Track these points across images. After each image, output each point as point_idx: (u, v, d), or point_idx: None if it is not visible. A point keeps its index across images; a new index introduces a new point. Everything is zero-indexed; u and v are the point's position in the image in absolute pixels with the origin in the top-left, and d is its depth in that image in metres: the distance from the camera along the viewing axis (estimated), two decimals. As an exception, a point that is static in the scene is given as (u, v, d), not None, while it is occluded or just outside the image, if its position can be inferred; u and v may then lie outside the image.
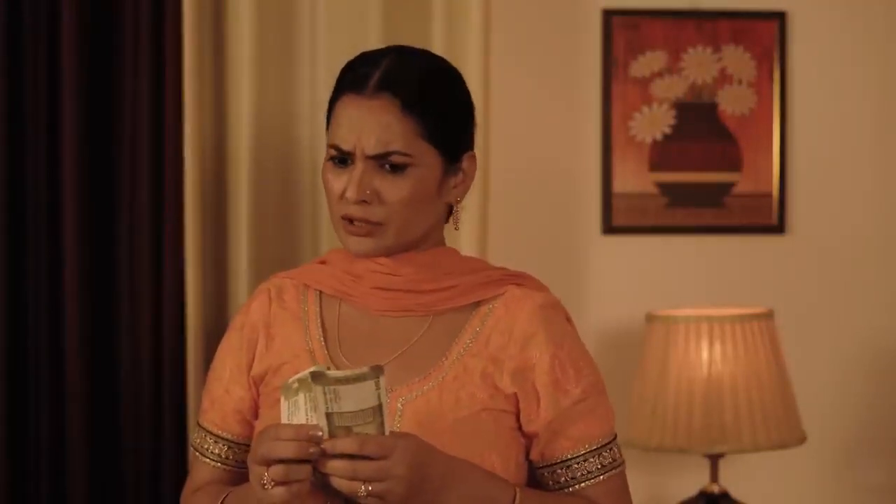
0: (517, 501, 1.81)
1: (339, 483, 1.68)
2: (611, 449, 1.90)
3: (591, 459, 1.89)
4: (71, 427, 2.80)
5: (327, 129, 1.93)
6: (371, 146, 1.85)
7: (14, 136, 2.81)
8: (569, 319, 1.95)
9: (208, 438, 1.98)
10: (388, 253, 1.90)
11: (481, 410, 1.86)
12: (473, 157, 1.96)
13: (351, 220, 1.88)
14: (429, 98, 1.88)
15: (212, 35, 2.92)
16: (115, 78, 2.87)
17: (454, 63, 2.97)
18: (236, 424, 1.97)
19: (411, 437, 1.72)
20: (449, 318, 1.92)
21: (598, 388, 1.92)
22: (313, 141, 2.95)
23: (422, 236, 1.92)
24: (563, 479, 1.89)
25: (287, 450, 1.67)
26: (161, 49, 2.85)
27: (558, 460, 1.89)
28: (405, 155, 1.85)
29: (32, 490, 2.83)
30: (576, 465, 1.88)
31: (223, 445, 1.97)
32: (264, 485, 1.68)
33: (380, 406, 1.68)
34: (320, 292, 1.97)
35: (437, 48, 2.92)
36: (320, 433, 1.67)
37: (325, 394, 1.65)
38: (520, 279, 1.96)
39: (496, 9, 3.07)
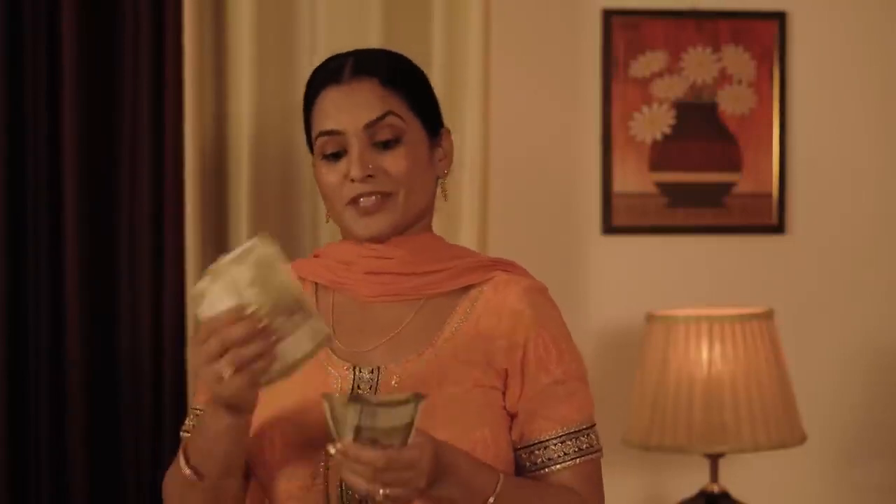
0: (499, 486, 1.82)
1: (355, 482, 1.67)
2: (588, 435, 1.92)
3: (569, 442, 1.91)
4: (71, 427, 2.80)
5: (307, 132, 1.96)
6: (364, 116, 1.89)
7: (14, 135, 2.81)
8: (556, 306, 1.97)
9: (196, 420, 1.98)
10: (396, 228, 1.92)
11: (473, 386, 1.88)
12: (448, 132, 2.01)
13: (358, 201, 1.90)
14: (403, 74, 1.95)
15: (212, 35, 2.92)
16: (115, 78, 2.87)
17: (454, 63, 2.99)
18: None
19: (428, 442, 1.72)
20: (439, 302, 1.94)
21: (580, 374, 1.95)
22: (313, 141, 2.95)
23: (419, 213, 1.96)
24: (539, 460, 1.91)
25: (236, 333, 1.67)
26: (161, 49, 2.85)
27: (536, 441, 1.91)
28: (398, 117, 1.90)
29: (33, 490, 2.83)
30: (553, 447, 1.90)
31: None
32: (222, 378, 1.68)
33: (411, 423, 1.67)
34: (316, 284, 2.00)
35: (437, 48, 2.92)
36: (249, 309, 1.66)
37: (360, 411, 1.64)
38: (507, 266, 2.00)
39: (496, 9, 3.07)
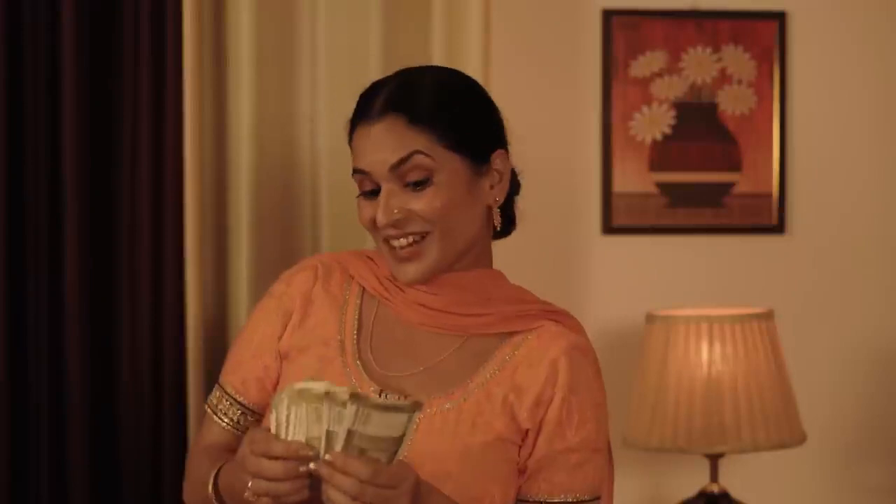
0: None
1: (335, 496, 1.64)
2: None
3: None
4: (71, 427, 2.80)
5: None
6: (389, 158, 1.84)
7: (14, 136, 2.80)
8: (597, 370, 1.93)
9: (224, 400, 1.97)
10: (437, 271, 1.88)
11: (494, 440, 1.85)
12: (505, 154, 1.96)
13: (390, 244, 1.87)
14: (436, 107, 1.87)
15: (212, 35, 2.92)
16: (115, 78, 2.87)
17: (454, 63, 2.98)
18: (255, 392, 1.96)
19: (411, 468, 1.70)
20: (481, 342, 1.90)
21: (597, 445, 1.90)
22: (313, 141, 2.95)
23: (466, 247, 1.90)
24: None
25: (276, 470, 1.64)
26: (161, 49, 2.85)
27: (531, 499, 1.87)
28: (426, 156, 1.83)
29: (33, 490, 2.83)
30: None
31: (237, 410, 1.96)
32: (248, 496, 1.67)
33: (402, 437, 1.65)
34: (363, 288, 1.96)
35: (437, 48, 2.92)
36: (311, 453, 1.63)
37: (357, 414, 1.62)
38: (559, 316, 1.95)
39: (496, 9, 3.07)
